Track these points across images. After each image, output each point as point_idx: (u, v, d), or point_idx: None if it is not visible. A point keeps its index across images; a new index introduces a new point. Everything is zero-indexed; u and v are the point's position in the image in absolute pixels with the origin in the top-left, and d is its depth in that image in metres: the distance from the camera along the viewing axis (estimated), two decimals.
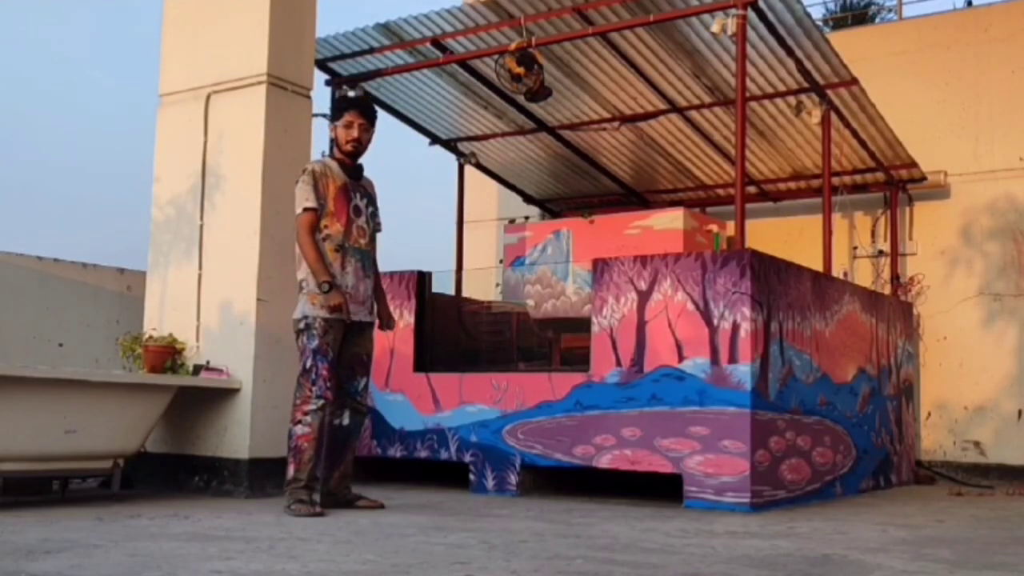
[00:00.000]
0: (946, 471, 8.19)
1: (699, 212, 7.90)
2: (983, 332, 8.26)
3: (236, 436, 5.72)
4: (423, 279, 6.87)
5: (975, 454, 8.20)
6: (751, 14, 6.03)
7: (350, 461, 5.29)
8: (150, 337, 5.96)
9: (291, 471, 4.98)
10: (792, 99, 7.23)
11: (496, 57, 6.83)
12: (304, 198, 5.09)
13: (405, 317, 6.76)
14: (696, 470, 5.55)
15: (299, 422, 5.00)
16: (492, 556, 3.62)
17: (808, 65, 6.74)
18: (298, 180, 5.17)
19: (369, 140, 5.31)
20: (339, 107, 5.37)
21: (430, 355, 6.82)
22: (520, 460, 6.15)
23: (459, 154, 8.93)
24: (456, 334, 7.27)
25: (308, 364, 5.02)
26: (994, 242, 8.33)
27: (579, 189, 9.58)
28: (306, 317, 5.04)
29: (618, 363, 5.87)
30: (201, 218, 6.08)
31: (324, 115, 7.36)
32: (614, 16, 6.58)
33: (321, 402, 5.01)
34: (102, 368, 6.78)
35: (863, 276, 8.66)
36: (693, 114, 7.89)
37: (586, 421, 5.93)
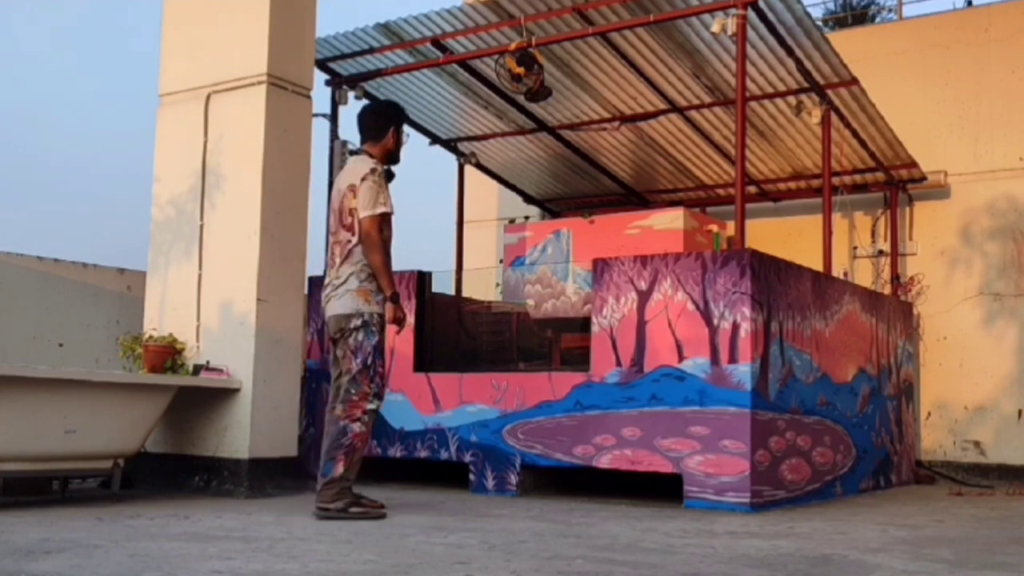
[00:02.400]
0: (946, 471, 8.19)
1: (699, 212, 7.89)
2: (983, 332, 8.26)
3: (236, 436, 5.73)
4: (423, 279, 6.87)
5: (975, 454, 8.19)
6: (751, 14, 6.03)
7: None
8: (150, 337, 5.96)
9: (340, 469, 4.81)
10: (792, 99, 7.23)
11: (496, 57, 6.84)
12: (382, 200, 4.92)
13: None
14: (696, 470, 5.55)
15: (357, 420, 4.86)
16: (492, 556, 3.62)
17: (808, 65, 6.74)
18: (365, 177, 4.93)
19: None
20: (403, 119, 5.33)
21: (430, 355, 6.82)
22: (520, 460, 6.15)
23: (459, 154, 8.92)
24: (456, 334, 7.27)
25: (368, 361, 4.89)
26: (994, 242, 8.33)
27: (579, 189, 9.58)
28: (362, 314, 4.91)
29: (618, 363, 5.87)
30: (201, 218, 6.08)
31: (324, 115, 7.39)
32: (614, 16, 6.58)
33: (379, 402, 4.94)
34: (102, 368, 6.78)
35: (863, 276, 8.66)
36: (693, 114, 7.89)
37: (586, 421, 5.93)
